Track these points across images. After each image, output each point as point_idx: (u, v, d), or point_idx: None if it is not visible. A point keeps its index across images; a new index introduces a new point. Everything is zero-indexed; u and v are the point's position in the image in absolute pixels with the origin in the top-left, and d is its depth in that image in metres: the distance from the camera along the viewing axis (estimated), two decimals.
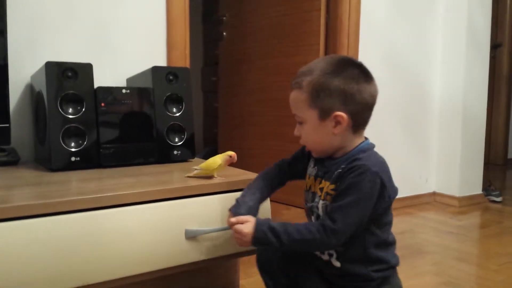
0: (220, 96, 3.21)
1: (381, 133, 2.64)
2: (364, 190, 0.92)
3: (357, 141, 1.03)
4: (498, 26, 4.24)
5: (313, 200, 1.05)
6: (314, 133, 1.02)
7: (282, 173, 1.17)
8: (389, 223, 1.01)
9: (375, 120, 2.67)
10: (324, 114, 0.98)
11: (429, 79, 2.84)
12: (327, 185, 1.01)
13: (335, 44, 2.44)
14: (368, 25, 2.49)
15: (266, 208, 1.24)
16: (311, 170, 1.10)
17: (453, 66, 2.79)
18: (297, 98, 1.02)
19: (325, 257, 1.05)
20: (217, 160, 1.22)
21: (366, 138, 1.05)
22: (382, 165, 0.98)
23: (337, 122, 0.98)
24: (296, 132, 1.06)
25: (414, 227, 2.31)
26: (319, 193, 1.03)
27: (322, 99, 0.98)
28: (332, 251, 1.03)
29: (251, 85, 2.85)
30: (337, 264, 1.03)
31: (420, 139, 2.84)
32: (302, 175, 1.14)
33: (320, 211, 1.02)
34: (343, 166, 0.98)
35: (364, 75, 0.99)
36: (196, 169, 1.24)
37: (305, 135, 1.04)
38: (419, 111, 2.82)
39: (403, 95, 2.71)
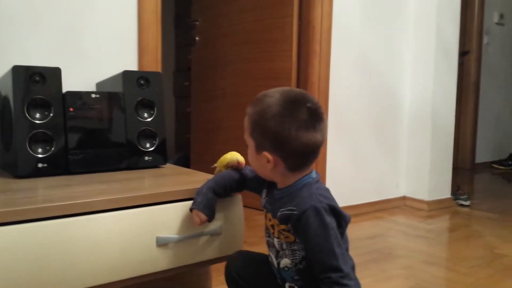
0: (192, 101, 3.19)
1: (353, 138, 2.66)
2: (329, 226, 0.93)
3: (298, 176, 1.01)
4: (466, 34, 4.35)
5: (269, 236, 1.07)
6: (253, 160, 1.05)
7: (241, 180, 1.18)
8: (346, 250, 1.00)
9: (347, 126, 2.71)
10: (258, 149, 1.00)
11: (399, 86, 2.88)
12: (276, 223, 1.02)
13: (307, 51, 2.46)
14: (339, 32, 2.52)
15: (239, 214, 1.23)
16: (263, 200, 1.11)
17: (423, 73, 2.84)
18: (244, 123, 1.04)
19: None
20: (227, 156, 1.21)
21: (311, 171, 1.03)
22: (327, 196, 0.98)
23: (268, 161, 0.99)
24: None
25: (385, 231, 2.34)
26: (271, 230, 1.05)
27: (257, 134, 1.00)
28: (293, 284, 1.03)
29: (224, 90, 2.84)
30: None
31: (391, 144, 2.88)
32: (256, 191, 1.16)
33: (278, 248, 1.03)
34: (290, 208, 0.97)
35: (311, 121, 0.95)
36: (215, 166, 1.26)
37: (249, 157, 1.07)
38: (390, 117, 2.86)
39: (374, 101, 2.75)
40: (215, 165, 1.24)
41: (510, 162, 4.64)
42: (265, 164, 0.99)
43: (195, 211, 1.10)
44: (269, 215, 1.05)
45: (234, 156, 1.20)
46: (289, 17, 2.46)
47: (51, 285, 0.97)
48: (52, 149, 1.31)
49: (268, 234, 1.07)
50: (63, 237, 0.98)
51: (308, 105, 0.96)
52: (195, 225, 1.12)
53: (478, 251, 2.03)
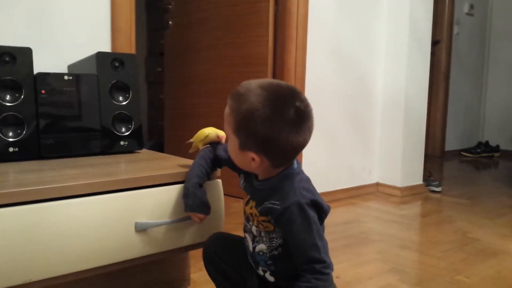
0: (166, 87, 3.14)
1: (328, 125, 2.67)
2: (312, 220, 0.93)
3: (280, 169, 0.99)
4: (437, 24, 4.40)
5: (248, 221, 1.06)
6: (235, 154, 1.00)
7: (216, 161, 1.17)
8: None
9: (322, 113, 2.70)
10: (243, 147, 0.95)
11: (373, 73, 2.90)
12: (256, 213, 1.00)
13: (283, 36, 2.44)
14: (315, 18, 2.51)
15: (219, 199, 1.21)
16: (242, 184, 1.09)
17: (396, 61, 2.86)
18: (226, 116, 0.97)
19: (260, 272, 1.05)
20: (206, 131, 1.15)
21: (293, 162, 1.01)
22: (309, 189, 0.97)
23: (253, 160, 0.95)
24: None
25: (359, 216, 2.36)
26: (250, 217, 1.03)
27: (243, 135, 0.94)
28: (265, 268, 1.03)
29: (198, 76, 2.80)
30: (271, 279, 1.04)
31: (364, 131, 2.90)
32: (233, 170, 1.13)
33: (255, 234, 1.03)
34: (272, 202, 0.95)
35: (301, 121, 0.92)
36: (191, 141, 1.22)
37: (229, 148, 1.02)
38: (364, 105, 2.88)
39: (348, 88, 2.76)
40: (191, 140, 1.21)
41: (478, 150, 4.76)
42: (249, 161, 0.96)
43: (191, 214, 1.09)
44: (252, 203, 1.03)
45: (213, 130, 1.16)
46: (265, 2, 2.43)
47: (25, 272, 0.94)
48: (24, 132, 1.26)
49: (247, 220, 1.06)
50: (37, 223, 0.94)
51: (297, 104, 0.92)
52: (196, 223, 1.13)
53: (450, 235, 2.06)
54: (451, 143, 4.80)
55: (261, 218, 0.99)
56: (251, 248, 1.05)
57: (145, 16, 4.20)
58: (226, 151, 1.11)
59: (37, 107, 1.29)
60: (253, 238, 1.04)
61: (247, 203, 1.05)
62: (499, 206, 2.65)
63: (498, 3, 4.95)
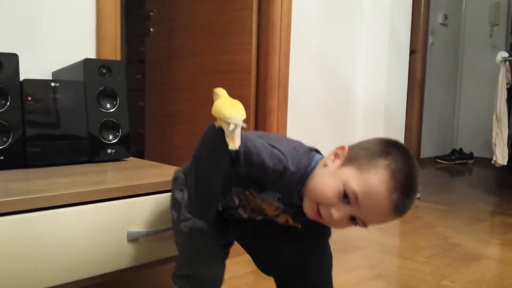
0: (147, 94, 3.10)
1: (310, 132, 2.68)
2: None
3: None
4: (412, 34, 4.48)
5: (259, 212, 1.03)
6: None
7: None
8: None
9: (305, 120, 2.70)
10: None
11: (354, 82, 2.93)
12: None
13: (267, 45, 2.44)
14: (298, 27, 2.52)
15: None
16: (281, 205, 1.00)
17: (376, 70, 2.90)
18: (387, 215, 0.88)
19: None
20: (231, 111, 0.81)
21: None
22: None
23: None
24: (338, 216, 0.89)
25: None
26: (283, 221, 1.05)
27: None
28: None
29: (180, 83, 2.78)
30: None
31: (346, 138, 2.92)
32: None
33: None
34: None
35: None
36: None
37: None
38: (345, 112, 2.90)
39: (330, 96, 2.78)
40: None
41: (453, 157, 4.86)
42: None
43: None
44: (285, 217, 1.04)
45: (238, 109, 0.84)
46: (248, 11, 2.44)
47: (14, 284, 0.91)
48: (9, 140, 1.23)
49: (259, 211, 1.03)
50: (27, 233, 0.92)
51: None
52: None
53: (433, 241, 2.10)
54: (426, 150, 4.88)
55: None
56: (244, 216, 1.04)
57: (124, 22, 4.16)
58: (249, 163, 0.88)
59: (23, 114, 1.26)
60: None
61: (276, 216, 1.04)
62: (476, 212, 2.71)
63: (471, 13, 5.08)
